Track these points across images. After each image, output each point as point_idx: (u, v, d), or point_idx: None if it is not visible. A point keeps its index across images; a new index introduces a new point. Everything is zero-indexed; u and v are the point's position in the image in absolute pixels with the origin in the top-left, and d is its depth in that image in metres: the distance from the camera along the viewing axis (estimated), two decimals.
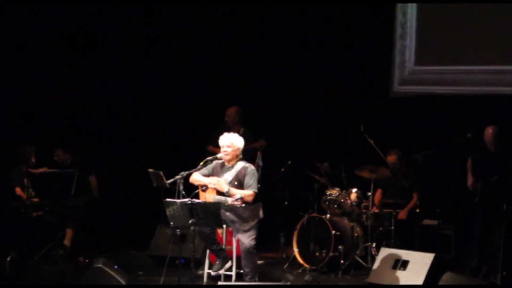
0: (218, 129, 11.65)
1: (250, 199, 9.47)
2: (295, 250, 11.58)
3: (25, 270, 11.06)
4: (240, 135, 9.96)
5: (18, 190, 11.73)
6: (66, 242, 11.70)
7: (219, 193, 9.56)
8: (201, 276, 9.99)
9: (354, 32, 13.10)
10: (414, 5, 12.97)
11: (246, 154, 10.12)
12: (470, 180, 11.00)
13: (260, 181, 10.02)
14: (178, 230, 9.72)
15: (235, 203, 9.31)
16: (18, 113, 13.00)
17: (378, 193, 11.98)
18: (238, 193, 9.43)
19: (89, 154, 12.75)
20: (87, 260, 11.34)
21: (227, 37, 13.71)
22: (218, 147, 10.28)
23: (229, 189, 9.47)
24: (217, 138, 10.57)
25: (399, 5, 13.08)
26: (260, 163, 11.60)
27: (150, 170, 11.38)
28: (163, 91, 13.83)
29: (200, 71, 13.75)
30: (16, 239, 11.47)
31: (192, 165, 9.70)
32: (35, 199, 11.73)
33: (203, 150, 11.93)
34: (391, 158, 11.69)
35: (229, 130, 11.51)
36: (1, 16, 12.81)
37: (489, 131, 10.93)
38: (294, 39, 13.54)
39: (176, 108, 13.76)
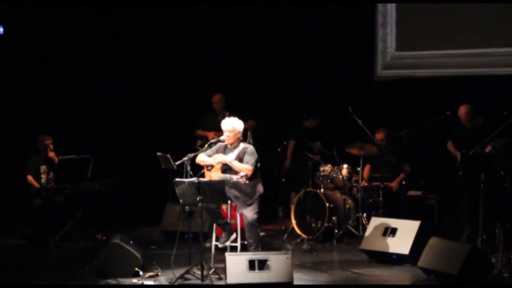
0: (205, 115, 12.10)
1: (249, 173, 9.35)
2: (293, 222, 11.62)
3: (48, 248, 11.03)
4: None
5: (29, 178, 11.61)
6: None
7: (224, 171, 9.49)
8: (209, 248, 9.93)
9: (340, 23, 13.09)
10: None
11: None
12: (460, 157, 10.84)
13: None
14: (187, 207, 9.76)
15: (240, 180, 9.23)
16: (33, 108, 12.99)
17: (367, 168, 11.91)
18: (238, 165, 9.36)
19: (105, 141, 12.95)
20: (104, 237, 11.29)
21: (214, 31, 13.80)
22: (207, 130, 11.21)
23: (231, 161, 9.42)
24: (206, 122, 11.50)
25: None
26: (251, 141, 11.47)
27: (159, 153, 11.37)
28: (162, 89, 13.84)
29: (189, 64, 13.75)
30: (37, 221, 11.41)
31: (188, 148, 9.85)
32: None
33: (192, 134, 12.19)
34: (379, 136, 11.62)
35: (216, 115, 11.71)
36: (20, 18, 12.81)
37: (463, 110, 10.73)
38: (284, 30, 13.54)
39: (172, 100, 13.72)
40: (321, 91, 13.22)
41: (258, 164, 9.61)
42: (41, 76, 13.05)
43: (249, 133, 11.67)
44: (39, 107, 12.95)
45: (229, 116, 10.04)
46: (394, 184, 11.52)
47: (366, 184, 11.67)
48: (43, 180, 11.67)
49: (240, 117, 9.72)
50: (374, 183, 11.59)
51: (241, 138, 9.69)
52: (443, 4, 12.47)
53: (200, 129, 12.11)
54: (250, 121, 11.84)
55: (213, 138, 10.42)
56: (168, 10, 13.72)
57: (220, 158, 9.54)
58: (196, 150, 10.06)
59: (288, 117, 12.80)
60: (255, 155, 9.55)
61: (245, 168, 9.36)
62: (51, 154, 11.66)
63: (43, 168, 11.69)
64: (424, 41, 12.77)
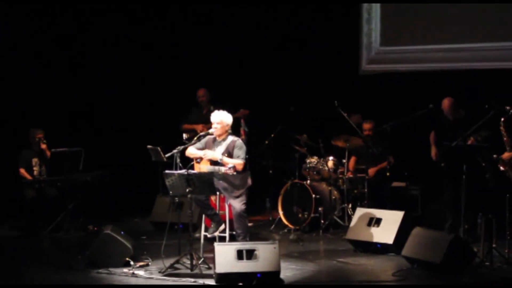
0: (190, 109, 12.04)
1: (240, 167, 9.37)
2: (280, 212, 11.64)
3: (40, 239, 11.05)
4: (212, 112, 9.79)
5: (21, 171, 11.61)
6: None
7: (213, 163, 9.47)
8: (198, 239, 9.93)
9: (326, 19, 13.12)
10: None
11: None
12: (433, 152, 10.89)
13: (246, 142, 9.92)
14: (176, 199, 9.76)
15: (228, 171, 9.22)
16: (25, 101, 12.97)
17: (352, 160, 11.97)
18: (229, 161, 9.34)
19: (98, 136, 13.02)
20: (96, 228, 11.27)
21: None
22: (193, 124, 11.22)
23: (222, 157, 9.39)
24: (191, 116, 11.43)
25: None
26: (246, 129, 11.56)
27: (149, 146, 11.29)
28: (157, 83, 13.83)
29: (178, 61, 13.73)
30: (30, 212, 11.42)
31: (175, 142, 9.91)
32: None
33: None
34: (367, 126, 11.70)
35: (201, 109, 11.63)
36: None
37: (446, 102, 10.79)
38: (271, 26, 13.52)
39: (162, 94, 13.71)
40: (307, 85, 13.22)
41: (247, 156, 9.60)
42: (32, 70, 13.03)
43: (242, 121, 11.61)
44: (31, 100, 12.92)
45: (215, 110, 9.93)
46: (371, 170, 11.57)
47: (351, 175, 11.72)
48: (35, 173, 11.67)
49: (227, 111, 9.68)
50: (359, 175, 11.66)
51: (230, 131, 9.63)
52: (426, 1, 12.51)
53: (186, 123, 12.03)
54: (242, 110, 11.79)
55: (202, 131, 10.35)
56: (164, 8, 13.73)
57: (210, 154, 9.51)
58: (184, 143, 10.01)
59: (275, 112, 12.78)
60: (244, 148, 9.54)
61: (237, 163, 9.33)
62: (44, 147, 11.64)
63: (34, 160, 11.69)
64: (408, 37, 12.83)
